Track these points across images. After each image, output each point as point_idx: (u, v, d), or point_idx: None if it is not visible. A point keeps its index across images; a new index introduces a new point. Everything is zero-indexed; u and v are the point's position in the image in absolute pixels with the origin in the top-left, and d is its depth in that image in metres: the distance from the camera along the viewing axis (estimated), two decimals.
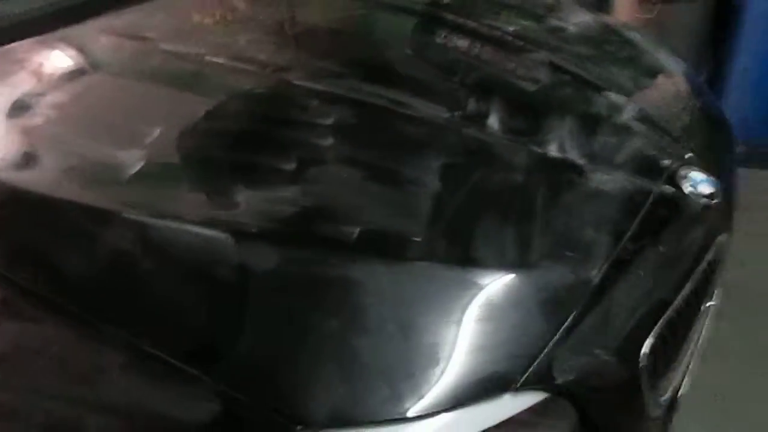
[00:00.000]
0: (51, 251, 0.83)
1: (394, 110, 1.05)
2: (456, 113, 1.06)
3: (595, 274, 0.86)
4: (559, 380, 0.78)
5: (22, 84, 1.09)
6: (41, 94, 1.07)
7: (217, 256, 0.78)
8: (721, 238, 1.07)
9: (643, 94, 1.24)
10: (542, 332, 0.79)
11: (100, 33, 1.21)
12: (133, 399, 0.73)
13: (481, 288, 0.80)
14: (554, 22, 1.45)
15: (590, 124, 1.10)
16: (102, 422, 0.73)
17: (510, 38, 1.32)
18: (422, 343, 0.75)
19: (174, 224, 0.82)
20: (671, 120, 1.20)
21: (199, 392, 0.71)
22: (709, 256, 1.02)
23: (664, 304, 0.91)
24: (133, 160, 0.91)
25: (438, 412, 0.72)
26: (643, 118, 1.16)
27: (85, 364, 0.76)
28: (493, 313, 0.79)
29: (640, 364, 0.86)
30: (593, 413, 0.83)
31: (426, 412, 0.71)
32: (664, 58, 1.44)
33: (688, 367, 1.11)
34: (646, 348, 0.87)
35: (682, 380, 1.09)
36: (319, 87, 1.09)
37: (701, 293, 1.02)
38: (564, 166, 0.99)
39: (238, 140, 0.99)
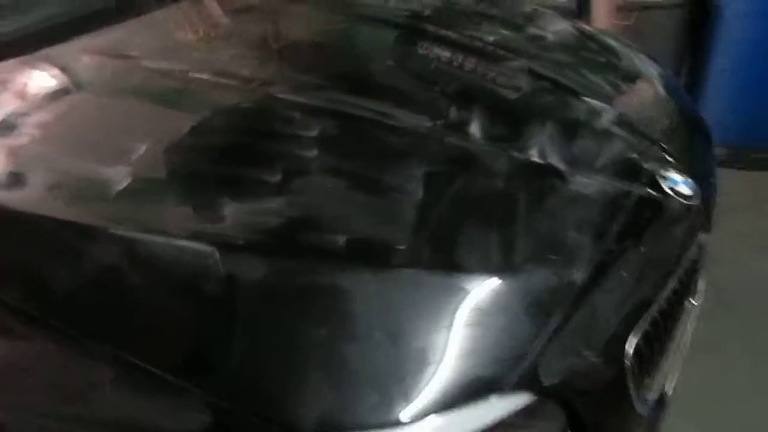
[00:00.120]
0: (38, 269, 0.83)
1: (376, 121, 1.06)
2: (438, 122, 1.07)
3: (579, 276, 0.87)
4: (546, 382, 0.79)
5: (5, 104, 1.09)
6: (25, 114, 1.07)
7: (204, 269, 0.79)
8: (701, 237, 1.09)
9: (621, 98, 1.27)
10: (528, 335, 0.80)
11: (83, 52, 1.22)
12: (123, 413, 0.73)
13: (466, 293, 0.81)
14: (533, 30, 1.48)
15: (570, 129, 1.12)
16: None
17: (490, 47, 1.34)
18: (409, 349, 0.76)
19: (160, 239, 0.82)
20: (650, 123, 1.22)
21: (190, 404, 0.71)
22: (690, 255, 1.04)
23: (647, 304, 0.93)
24: (117, 177, 0.91)
25: (426, 417, 0.72)
26: (622, 122, 1.18)
27: (75, 380, 0.76)
28: (479, 317, 0.80)
29: (626, 364, 0.88)
30: (581, 414, 0.84)
31: (414, 417, 0.72)
32: (641, 63, 1.47)
33: (674, 365, 1.12)
34: (630, 347, 0.88)
35: (669, 378, 1.10)
36: (302, 100, 1.10)
37: (684, 292, 1.04)
38: (545, 171, 1.01)
39: (223, 154, 0.99)
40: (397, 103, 1.11)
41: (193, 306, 0.78)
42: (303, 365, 0.73)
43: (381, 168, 0.97)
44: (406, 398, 0.72)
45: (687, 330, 1.15)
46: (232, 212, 0.87)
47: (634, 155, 1.11)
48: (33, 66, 1.18)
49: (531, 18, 1.54)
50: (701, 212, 1.11)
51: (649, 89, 1.36)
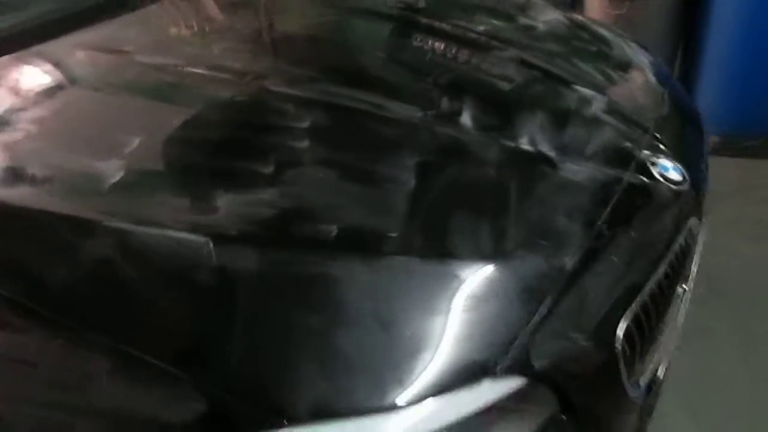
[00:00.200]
0: (35, 262, 0.84)
1: (368, 112, 1.07)
2: (429, 113, 1.08)
3: (569, 262, 0.88)
4: (537, 366, 0.80)
5: (3, 100, 1.10)
6: (20, 110, 1.08)
7: (198, 260, 0.80)
8: (691, 222, 1.10)
9: (611, 86, 1.28)
10: (518, 320, 0.82)
11: (77, 48, 1.22)
12: (119, 403, 0.74)
13: (457, 279, 0.82)
14: (524, 20, 1.49)
15: (561, 117, 1.13)
16: (90, 427, 0.75)
17: (481, 38, 1.35)
18: (402, 335, 0.77)
19: (154, 230, 0.83)
20: (640, 111, 1.23)
21: (185, 393, 0.72)
22: (680, 240, 1.05)
23: (637, 288, 0.94)
24: (112, 171, 0.92)
25: (419, 401, 0.73)
26: (612, 110, 1.19)
27: (73, 372, 0.77)
28: (470, 302, 0.81)
29: (616, 348, 0.89)
30: (573, 397, 0.85)
31: (407, 402, 0.73)
32: (632, 51, 1.48)
33: (666, 349, 1.13)
34: (620, 331, 0.89)
35: (661, 363, 1.12)
36: (295, 92, 1.11)
37: (674, 277, 1.05)
38: (536, 158, 1.02)
39: (217, 147, 1.00)
40: (389, 94, 1.12)
41: (187, 296, 0.79)
42: (296, 352, 0.74)
43: (373, 158, 0.98)
44: (399, 383, 0.73)
45: (679, 315, 1.16)
46: (226, 204, 0.88)
47: (625, 142, 1.12)
48: (27, 62, 1.18)
49: (522, 8, 1.55)
50: (692, 198, 1.13)
51: (639, 77, 1.37)
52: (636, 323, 0.93)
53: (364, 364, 0.75)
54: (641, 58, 1.45)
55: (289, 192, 0.91)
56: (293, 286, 0.80)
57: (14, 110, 1.07)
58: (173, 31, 1.38)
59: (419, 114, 1.08)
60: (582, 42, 1.47)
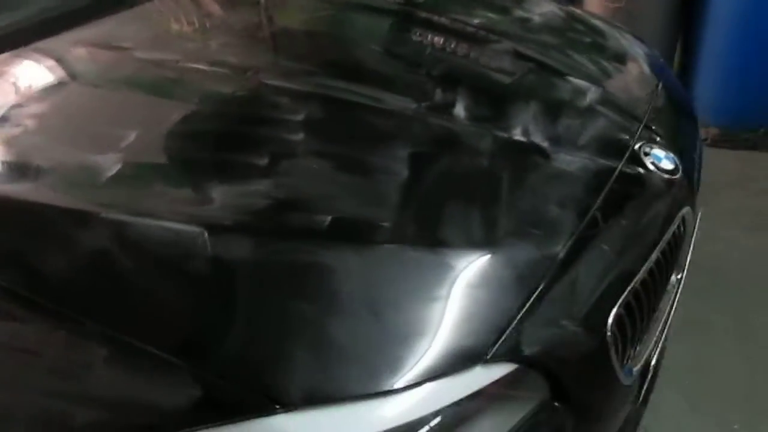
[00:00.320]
0: (36, 253, 0.85)
1: (363, 104, 1.08)
2: (423, 104, 1.09)
3: (560, 250, 0.89)
4: (527, 352, 0.81)
5: (4, 96, 1.11)
6: (19, 105, 1.09)
7: (194, 250, 0.81)
8: (684, 211, 1.11)
9: (605, 77, 1.29)
10: (509, 306, 0.83)
11: (76, 44, 1.24)
12: (118, 390, 0.75)
13: (448, 267, 0.83)
14: (519, 13, 1.49)
15: (554, 108, 1.14)
16: (88, 413, 0.76)
17: (476, 30, 1.36)
18: (394, 322, 0.78)
19: (151, 222, 0.84)
20: (633, 101, 1.24)
21: (180, 380, 0.73)
22: (672, 229, 1.06)
23: (629, 276, 0.95)
24: (109, 164, 0.94)
25: (411, 387, 0.74)
26: (606, 100, 1.20)
27: (72, 360, 0.78)
28: (462, 290, 0.82)
29: (607, 335, 0.90)
30: (565, 384, 0.86)
31: (399, 388, 0.74)
32: (627, 43, 1.49)
33: (660, 337, 1.14)
34: (612, 319, 0.90)
35: (655, 350, 1.12)
36: (290, 85, 1.12)
37: (667, 265, 1.06)
38: (528, 149, 1.03)
39: (213, 140, 1.02)
40: (383, 86, 1.13)
41: (184, 286, 0.80)
42: (290, 340, 0.75)
43: (366, 149, 0.99)
44: (391, 369, 0.74)
45: (673, 303, 1.17)
46: (221, 195, 0.89)
47: (617, 132, 1.13)
48: (27, 59, 1.20)
49: (517, 1, 1.55)
50: (684, 187, 1.13)
51: (633, 68, 1.38)
52: (627, 311, 0.94)
53: (357, 350, 0.76)
54: (636, 50, 1.45)
55: (283, 183, 0.92)
56: (287, 275, 0.81)
57: (14, 105, 1.09)
58: (169, 26, 1.39)
59: (413, 106, 1.09)
60: (577, 34, 1.48)
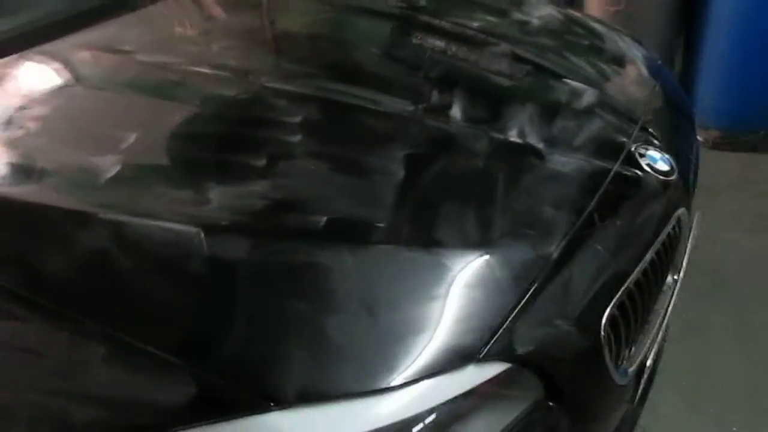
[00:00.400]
0: (38, 254, 0.86)
1: (360, 106, 1.09)
2: (420, 106, 1.10)
3: (554, 250, 0.90)
4: (521, 351, 0.82)
5: (5, 98, 1.13)
6: (23, 108, 1.10)
7: (191, 250, 0.82)
8: (680, 212, 1.11)
9: (602, 79, 1.29)
10: (503, 306, 0.83)
11: (79, 48, 1.25)
12: (116, 388, 0.76)
13: (443, 267, 0.84)
14: (517, 16, 1.50)
15: (550, 110, 1.15)
16: (86, 411, 0.77)
17: (474, 33, 1.37)
18: (387, 321, 0.79)
19: (150, 222, 0.86)
20: (630, 103, 1.25)
21: (179, 378, 0.74)
22: (667, 230, 1.07)
23: (623, 276, 0.95)
24: (110, 166, 0.95)
25: (404, 385, 0.75)
26: (602, 102, 1.21)
27: (71, 359, 0.79)
28: (455, 289, 0.83)
29: (601, 334, 0.90)
30: (559, 384, 0.86)
31: (392, 386, 0.75)
32: (625, 45, 1.49)
33: (656, 338, 1.15)
34: (605, 318, 0.91)
35: (651, 350, 1.13)
36: (289, 88, 1.13)
37: (663, 266, 1.06)
38: (524, 150, 1.04)
39: (212, 141, 1.03)
40: (381, 89, 1.15)
41: (180, 285, 0.81)
42: (286, 339, 0.76)
43: (363, 151, 1.00)
44: (384, 368, 0.75)
45: (670, 304, 1.18)
46: (219, 195, 0.90)
47: (613, 134, 1.14)
48: (32, 62, 1.21)
49: (515, 4, 1.56)
50: (680, 189, 1.14)
51: (630, 70, 1.38)
52: (621, 311, 0.94)
53: (351, 349, 0.77)
54: (634, 52, 1.46)
55: (281, 184, 0.93)
56: (284, 275, 0.82)
57: (18, 108, 1.10)
58: (173, 30, 1.40)
59: (410, 108, 1.10)
60: (574, 36, 1.49)
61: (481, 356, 0.80)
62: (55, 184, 0.95)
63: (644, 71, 1.39)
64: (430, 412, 0.77)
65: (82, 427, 0.77)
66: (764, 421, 1.60)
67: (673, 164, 1.13)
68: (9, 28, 1.30)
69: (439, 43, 1.34)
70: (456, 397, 0.79)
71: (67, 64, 1.22)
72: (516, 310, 0.83)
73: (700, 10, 2.51)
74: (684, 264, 1.21)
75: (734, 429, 1.59)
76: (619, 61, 1.40)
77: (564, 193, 1.00)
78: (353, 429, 0.74)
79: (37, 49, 1.23)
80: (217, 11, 1.52)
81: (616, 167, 1.06)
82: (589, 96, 1.21)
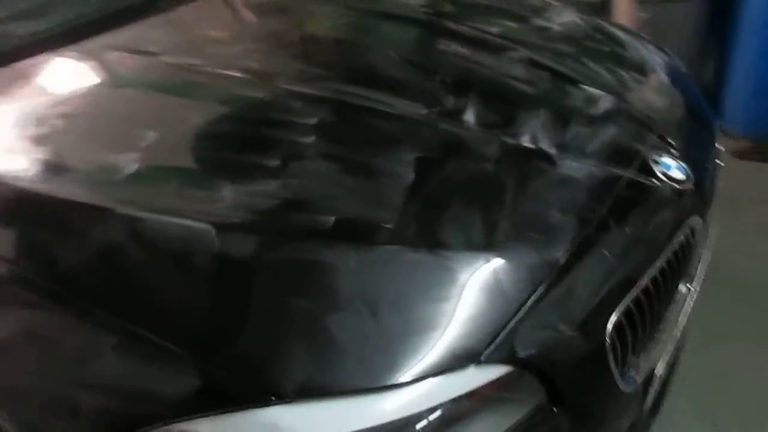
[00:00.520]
0: (56, 246, 0.90)
1: (375, 109, 1.11)
2: (433, 110, 1.11)
3: (561, 255, 0.90)
4: (522, 354, 0.82)
5: (34, 96, 1.17)
6: (51, 105, 1.15)
7: (201, 246, 0.85)
8: (694, 221, 1.10)
9: (620, 86, 1.28)
10: (506, 310, 0.84)
11: (105, 49, 1.29)
12: (122, 376, 0.79)
13: (447, 268, 0.85)
14: (538, 22, 1.50)
15: (565, 116, 1.15)
16: (96, 398, 0.80)
17: (493, 39, 1.37)
18: (389, 320, 0.80)
19: (164, 218, 0.88)
20: (647, 110, 1.24)
21: (185, 369, 0.77)
22: (679, 238, 1.06)
23: (630, 283, 0.95)
24: (129, 163, 0.98)
25: (404, 384, 0.76)
26: (619, 109, 1.20)
27: (84, 348, 0.82)
28: (459, 291, 0.84)
29: (606, 341, 0.90)
30: (561, 388, 0.86)
31: (392, 383, 0.76)
32: (647, 52, 1.48)
33: (669, 347, 1.13)
34: (611, 324, 0.90)
35: (662, 360, 1.12)
36: (306, 90, 1.15)
37: (674, 275, 1.06)
38: (535, 155, 1.04)
39: (229, 142, 1.05)
40: (397, 92, 1.16)
41: (189, 279, 0.83)
42: (289, 334, 0.78)
43: (375, 153, 1.02)
44: (385, 365, 0.77)
45: (683, 313, 1.16)
46: (231, 194, 0.92)
47: (628, 141, 1.13)
48: (59, 62, 1.25)
49: (537, 10, 1.56)
50: (695, 197, 1.13)
51: (650, 77, 1.37)
52: (628, 318, 0.94)
53: (352, 346, 0.78)
54: (655, 59, 1.45)
55: (292, 184, 0.95)
56: (291, 272, 0.84)
57: (46, 106, 1.14)
58: (199, 32, 1.43)
59: (424, 111, 1.11)
60: (595, 42, 1.48)
61: (482, 358, 0.80)
62: (77, 180, 0.98)
63: (664, 78, 1.38)
64: (429, 411, 0.78)
65: (91, 413, 0.80)
66: None
67: (689, 172, 1.12)
68: (42, 28, 1.34)
69: (458, 49, 1.35)
70: (456, 398, 0.79)
71: (94, 64, 1.26)
72: (519, 314, 0.84)
73: (730, 18, 2.47)
74: (699, 274, 1.19)
75: None
76: (639, 67, 1.39)
77: (574, 199, 1.00)
78: (352, 425, 0.75)
79: (65, 49, 1.27)
80: (242, 15, 1.55)
81: (628, 174, 1.06)
82: (605, 102, 1.20)
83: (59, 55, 1.27)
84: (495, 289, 0.86)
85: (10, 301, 0.87)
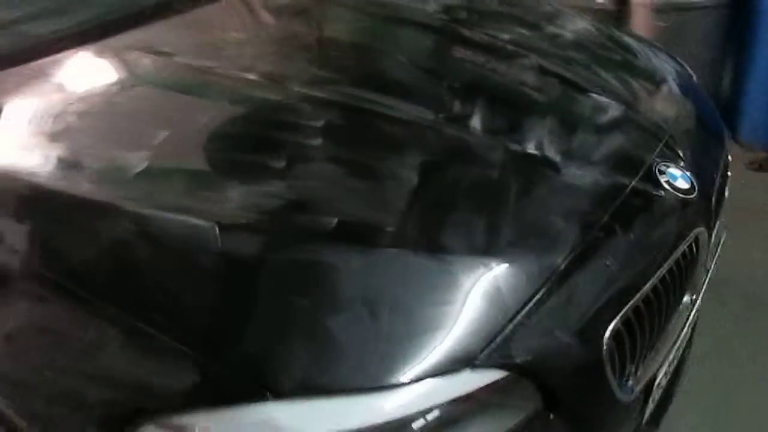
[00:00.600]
0: (65, 241, 0.92)
1: (381, 113, 1.12)
2: (440, 115, 1.12)
3: (561, 262, 0.91)
4: (518, 359, 0.83)
5: (51, 94, 1.19)
6: (66, 104, 1.17)
7: (204, 244, 0.86)
8: (698, 232, 1.10)
9: (629, 95, 1.28)
10: (502, 314, 0.84)
11: (124, 49, 1.31)
12: (126, 370, 0.81)
13: (446, 272, 0.86)
14: (550, 29, 1.50)
15: (571, 123, 1.15)
16: (99, 390, 0.82)
17: (503, 45, 1.38)
18: (387, 321, 0.81)
19: (167, 215, 0.90)
20: (655, 119, 1.23)
21: (186, 365, 0.78)
22: (682, 249, 1.05)
23: (630, 292, 0.95)
24: (140, 161, 1.00)
25: (399, 385, 0.77)
26: (626, 117, 1.20)
27: (91, 342, 0.84)
28: (456, 295, 0.85)
29: (604, 348, 0.90)
30: (558, 395, 0.87)
31: (387, 384, 0.77)
32: (658, 61, 1.48)
33: (671, 357, 1.13)
34: (609, 333, 0.90)
35: (664, 370, 1.12)
36: (314, 93, 1.16)
37: (677, 285, 1.05)
38: (539, 162, 1.05)
39: (238, 143, 1.07)
40: (405, 97, 1.17)
41: (193, 276, 0.85)
42: (288, 333, 0.79)
43: (380, 157, 1.03)
44: (382, 366, 0.78)
45: (688, 324, 1.16)
46: (239, 194, 0.94)
47: (634, 149, 1.13)
48: (76, 61, 1.28)
49: (549, 18, 1.56)
50: (701, 208, 1.13)
51: (660, 86, 1.37)
52: (628, 327, 0.94)
53: (352, 347, 0.79)
54: (666, 68, 1.45)
55: (296, 185, 0.96)
56: (292, 272, 0.85)
57: (63, 104, 1.16)
58: (210, 34, 1.45)
59: (431, 116, 1.12)
60: (606, 50, 1.48)
61: (477, 362, 0.81)
62: (90, 176, 1.00)
63: (674, 87, 1.38)
64: (423, 413, 0.79)
65: (94, 405, 0.82)
66: None
67: (694, 182, 1.12)
68: (58, 28, 1.37)
69: (469, 55, 1.35)
70: (450, 401, 0.80)
71: (111, 63, 1.29)
72: (516, 319, 0.85)
73: (748, 28, 2.45)
74: (704, 285, 1.19)
75: None
76: (650, 76, 1.39)
77: (576, 206, 1.00)
78: (349, 424, 0.76)
79: (83, 48, 1.30)
80: (257, 18, 1.57)
81: (633, 183, 1.06)
82: (612, 110, 1.21)
83: (77, 54, 1.29)
84: (493, 294, 0.86)
85: (20, 294, 0.89)
